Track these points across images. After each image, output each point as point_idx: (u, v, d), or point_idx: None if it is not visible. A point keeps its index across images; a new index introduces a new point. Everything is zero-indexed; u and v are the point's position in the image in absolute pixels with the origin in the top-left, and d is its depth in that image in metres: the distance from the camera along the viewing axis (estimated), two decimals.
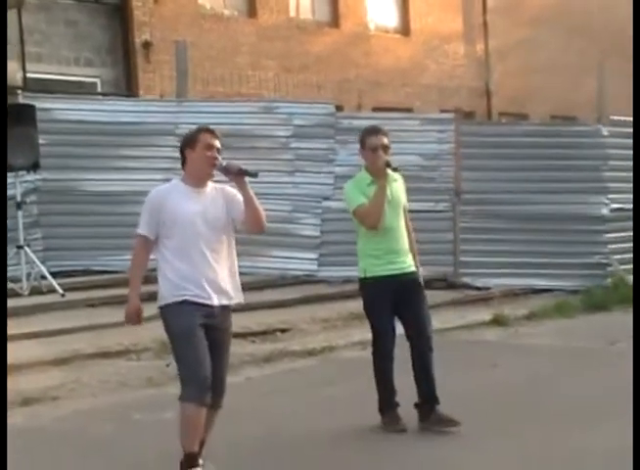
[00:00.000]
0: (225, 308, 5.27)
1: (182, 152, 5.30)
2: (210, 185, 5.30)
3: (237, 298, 5.33)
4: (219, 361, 5.23)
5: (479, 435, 6.13)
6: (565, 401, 7.06)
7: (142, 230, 5.23)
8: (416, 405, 6.32)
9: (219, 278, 5.21)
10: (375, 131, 6.38)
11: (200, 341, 5.09)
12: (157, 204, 5.20)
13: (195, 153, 5.21)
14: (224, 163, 5.23)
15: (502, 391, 7.47)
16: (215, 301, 5.18)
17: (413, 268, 6.38)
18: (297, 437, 6.28)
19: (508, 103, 23.12)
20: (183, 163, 5.31)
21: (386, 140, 6.31)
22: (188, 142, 5.28)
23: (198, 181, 5.25)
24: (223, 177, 5.31)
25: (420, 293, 6.39)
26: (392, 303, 6.26)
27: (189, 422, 5.09)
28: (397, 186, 6.41)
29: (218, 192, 5.30)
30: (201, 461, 5.22)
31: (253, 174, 5.24)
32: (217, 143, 5.26)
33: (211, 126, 5.40)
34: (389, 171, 6.24)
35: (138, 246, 5.29)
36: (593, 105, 13.77)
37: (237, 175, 5.22)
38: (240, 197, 5.27)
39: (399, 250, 6.32)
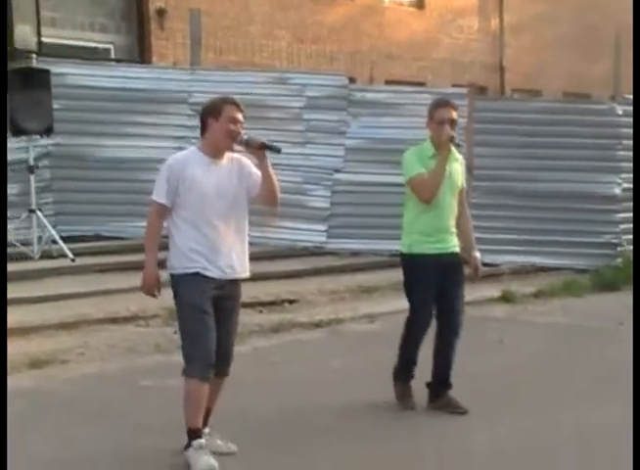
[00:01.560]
0: (234, 281, 5.22)
1: (203, 119, 5.16)
2: (227, 155, 5.20)
3: (244, 273, 5.25)
4: (227, 330, 5.21)
5: (485, 412, 6.16)
6: (572, 380, 7.08)
7: (160, 198, 5.08)
8: (428, 385, 6.31)
9: (229, 252, 5.13)
10: (444, 104, 6.19)
11: (208, 317, 5.05)
12: (176, 172, 5.07)
13: (217, 124, 5.08)
14: (245, 136, 5.13)
15: (509, 368, 7.50)
16: (223, 275, 5.12)
17: (457, 249, 6.24)
18: (304, 407, 6.31)
19: (521, 79, 23.01)
20: (203, 131, 5.18)
21: (455, 114, 6.14)
22: (211, 111, 5.13)
23: (216, 152, 5.14)
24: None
25: (460, 276, 6.26)
26: (434, 281, 6.13)
27: (192, 397, 5.09)
28: (457, 167, 6.26)
29: (234, 163, 5.21)
30: (207, 430, 5.25)
31: (277, 149, 5.16)
32: (241, 116, 5.15)
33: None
34: (452, 148, 6.10)
35: (155, 213, 5.14)
36: (607, 82, 13.68)
37: (258, 150, 5.13)
38: (255, 170, 5.21)
39: (448, 229, 6.17)
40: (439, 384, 6.27)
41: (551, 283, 11.44)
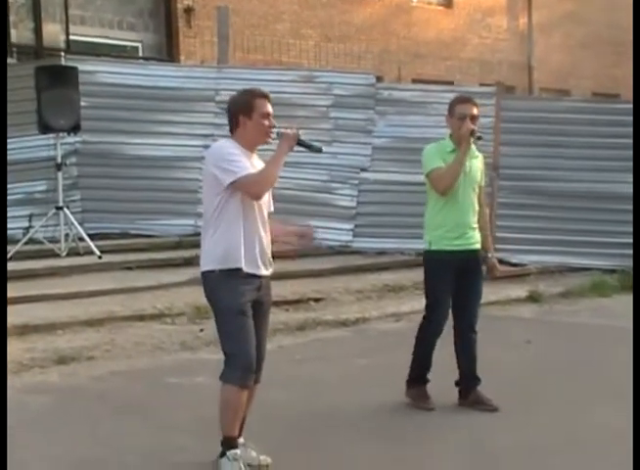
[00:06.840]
0: (268, 279, 4.99)
1: (234, 116, 4.90)
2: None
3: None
4: (261, 335, 5.00)
5: (512, 412, 6.13)
6: (600, 380, 7.03)
7: (246, 170, 4.72)
8: (456, 383, 6.31)
9: (266, 247, 4.93)
10: (466, 100, 6.21)
11: (249, 321, 4.81)
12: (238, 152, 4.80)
13: (251, 121, 4.83)
14: (281, 130, 4.90)
15: (536, 368, 7.46)
16: (263, 271, 4.91)
17: (478, 245, 6.22)
18: (329, 406, 6.30)
19: (550, 78, 22.89)
20: (234, 126, 4.91)
21: (475, 111, 6.14)
22: (242, 108, 4.87)
23: (252, 147, 4.91)
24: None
25: (479, 273, 6.23)
26: (453, 277, 6.12)
27: (230, 405, 4.83)
28: (476, 163, 6.26)
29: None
30: (241, 440, 5.03)
31: (317, 149, 4.99)
32: (270, 107, 4.92)
33: None
34: (473, 146, 6.12)
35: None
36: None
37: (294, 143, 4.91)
38: None
39: (468, 224, 6.14)
40: (467, 379, 6.28)
41: (579, 283, 11.36)
